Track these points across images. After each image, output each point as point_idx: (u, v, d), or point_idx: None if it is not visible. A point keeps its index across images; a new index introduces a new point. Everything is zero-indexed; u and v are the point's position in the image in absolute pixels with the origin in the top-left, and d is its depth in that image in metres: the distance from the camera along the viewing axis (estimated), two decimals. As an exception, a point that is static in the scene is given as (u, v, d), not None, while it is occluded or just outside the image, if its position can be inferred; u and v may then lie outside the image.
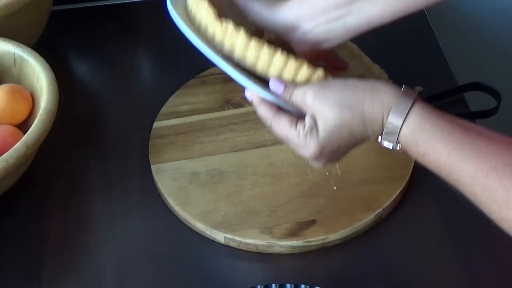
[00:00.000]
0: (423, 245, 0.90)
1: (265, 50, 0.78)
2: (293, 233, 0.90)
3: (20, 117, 1.00)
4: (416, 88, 1.09)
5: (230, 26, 0.79)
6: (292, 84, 0.79)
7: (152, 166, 0.98)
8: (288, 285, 0.83)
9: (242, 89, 0.81)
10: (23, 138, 0.90)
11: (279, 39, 0.87)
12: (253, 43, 0.78)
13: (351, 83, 0.77)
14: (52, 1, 1.16)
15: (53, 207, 0.97)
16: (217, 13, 0.80)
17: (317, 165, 0.81)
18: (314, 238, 0.89)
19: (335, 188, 0.94)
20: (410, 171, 0.95)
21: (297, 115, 0.79)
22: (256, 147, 1.00)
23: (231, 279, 0.88)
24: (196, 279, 0.89)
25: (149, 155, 1.00)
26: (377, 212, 0.91)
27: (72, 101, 1.06)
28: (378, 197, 0.93)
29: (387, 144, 0.74)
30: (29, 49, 1.02)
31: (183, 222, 0.94)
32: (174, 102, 1.07)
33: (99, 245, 0.93)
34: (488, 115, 1.04)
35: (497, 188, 0.66)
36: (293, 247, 0.89)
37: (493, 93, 1.05)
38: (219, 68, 0.81)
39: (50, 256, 0.92)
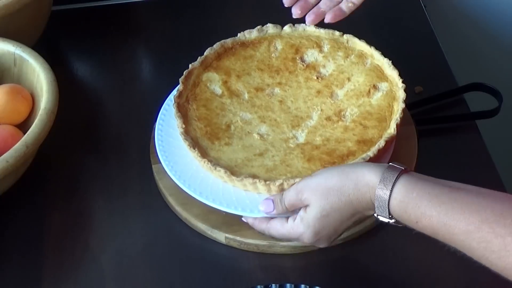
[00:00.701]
0: (423, 245, 0.90)
1: (248, 181, 0.86)
2: (293, 233, 0.89)
3: (20, 117, 1.00)
4: (416, 88, 1.09)
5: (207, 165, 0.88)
6: (278, 195, 0.84)
7: (153, 166, 0.98)
8: (288, 285, 0.83)
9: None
10: (23, 138, 0.90)
11: None
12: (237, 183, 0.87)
13: (336, 171, 0.79)
14: (52, 1, 1.16)
15: (53, 207, 0.97)
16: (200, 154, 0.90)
17: (322, 245, 0.83)
18: (315, 238, 0.89)
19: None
20: (411, 171, 0.95)
21: (287, 216, 0.84)
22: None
23: (232, 279, 0.88)
24: (197, 279, 0.89)
25: (150, 155, 1.00)
26: (377, 212, 0.91)
27: (72, 101, 1.06)
28: (379, 197, 0.93)
29: (383, 219, 0.76)
30: (29, 49, 1.02)
31: (184, 222, 0.94)
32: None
33: (99, 245, 0.93)
34: (489, 115, 1.04)
35: (491, 238, 0.67)
36: (294, 247, 0.89)
37: (495, 93, 1.05)
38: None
39: (50, 256, 0.92)
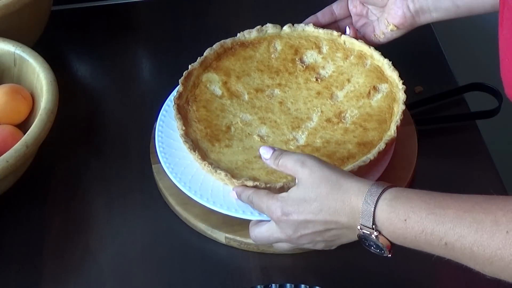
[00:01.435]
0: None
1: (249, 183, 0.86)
2: (293, 233, 0.89)
3: (20, 117, 1.00)
4: (416, 88, 1.09)
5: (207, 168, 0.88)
6: (280, 150, 0.83)
7: (153, 166, 0.98)
8: (288, 285, 0.83)
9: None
10: (23, 138, 0.90)
11: None
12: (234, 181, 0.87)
13: (333, 175, 0.77)
14: (52, 1, 1.16)
15: (53, 207, 0.97)
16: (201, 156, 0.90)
17: (282, 235, 0.81)
18: (315, 238, 0.89)
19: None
20: (411, 172, 0.95)
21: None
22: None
23: (232, 279, 0.88)
24: (197, 279, 0.89)
25: (150, 155, 1.00)
26: (377, 212, 0.91)
27: (72, 101, 1.06)
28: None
29: (366, 230, 0.74)
30: (29, 49, 1.02)
31: (184, 222, 0.94)
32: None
33: (99, 245, 0.93)
34: (489, 115, 1.04)
35: (483, 217, 0.67)
36: (294, 247, 0.89)
37: (495, 93, 1.05)
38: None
39: (50, 256, 0.92)
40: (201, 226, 0.92)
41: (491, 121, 1.04)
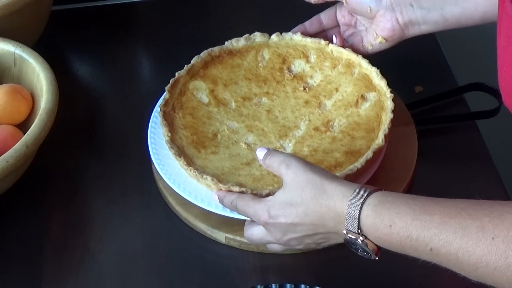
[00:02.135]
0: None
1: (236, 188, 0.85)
2: (293, 233, 0.89)
3: (20, 117, 1.00)
4: (416, 88, 1.09)
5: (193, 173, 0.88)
6: (271, 150, 0.83)
7: (153, 166, 0.98)
8: (288, 285, 0.83)
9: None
10: (23, 138, 0.90)
11: None
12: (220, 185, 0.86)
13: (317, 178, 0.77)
14: (52, 1, 1.16)
15: (53, 207, 0.97)
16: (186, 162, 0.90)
17: (270, 237, 0.81)
18: (315, 238, 0.89)
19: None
20: (411, 172, 0.95)
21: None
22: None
23: (232, 279, 0.88)
24: (197, 279, 0.89)
25: (150, 155, 0.99)
26: (377, 212, 0.91)
27: (72, 101, 1.06)
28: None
29: (352, 235, 0.74)
30: (29, 49, 1.02)
31: (184, 222, 0.94)
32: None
33: (99, 245, 0.93)
34: (489, 115, 1.04)
35: (469, 223, 0.66)
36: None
37: (495, 93, 1.05)
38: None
39: (50, 256, 0.92)
40: (201, 226, 0.92)
41: (491, 121, 1.04)
